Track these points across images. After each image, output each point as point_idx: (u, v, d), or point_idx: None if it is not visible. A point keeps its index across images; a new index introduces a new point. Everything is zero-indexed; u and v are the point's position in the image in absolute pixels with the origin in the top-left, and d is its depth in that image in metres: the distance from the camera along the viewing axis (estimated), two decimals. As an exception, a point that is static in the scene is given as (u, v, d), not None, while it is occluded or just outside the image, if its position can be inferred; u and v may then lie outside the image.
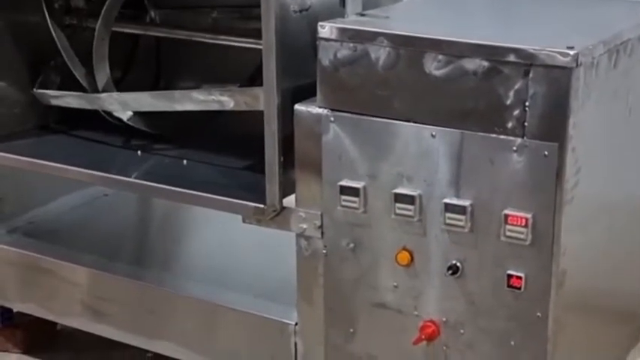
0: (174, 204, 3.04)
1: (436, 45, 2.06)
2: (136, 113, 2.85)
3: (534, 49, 1.96)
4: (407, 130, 2.14)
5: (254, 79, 2.80)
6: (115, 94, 2.84)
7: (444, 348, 2.22)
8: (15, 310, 3.11)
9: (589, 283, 2.29)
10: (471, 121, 2.06)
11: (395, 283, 2.24)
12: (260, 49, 2.28)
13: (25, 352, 3.16)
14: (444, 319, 2.20)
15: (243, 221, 2.46)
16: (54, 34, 2.88)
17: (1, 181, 3.06)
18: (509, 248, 2.07)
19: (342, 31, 2.17)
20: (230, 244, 2.97)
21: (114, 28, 2.88)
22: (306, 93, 2.29)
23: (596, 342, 2.46)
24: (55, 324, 3.16)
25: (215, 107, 2.59)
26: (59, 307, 2.91)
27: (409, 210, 2.16)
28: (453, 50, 2.04)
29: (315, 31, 2.20)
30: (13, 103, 2.98)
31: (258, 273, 2.79)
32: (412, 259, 2.20)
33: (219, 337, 2.63)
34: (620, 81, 2.21)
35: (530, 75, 1.97)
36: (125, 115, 2.85)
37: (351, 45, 2.15)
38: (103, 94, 2.83)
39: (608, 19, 2.37)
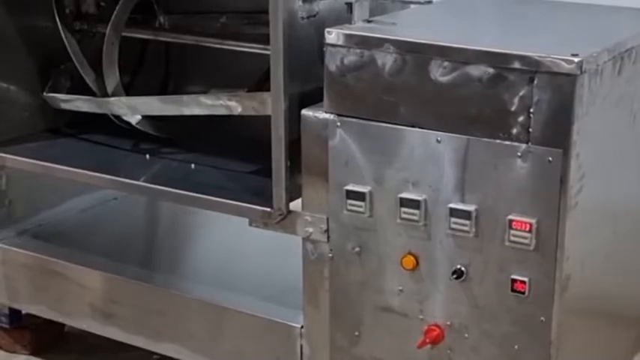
0: (182, 207, 3.06)
1: (442, 51, 2.08)
2: (145, 117, 2.87)
3: (539, 56, 1.98)
4: (412, 135, 2.16)
5: (262, 84, 2.83)
6: (124, 99, 2.87)
7: (449, 352, 2.23)
8: (23, 311, 3.13)
9: (593, 288, 2.31)
10: (476, 127, 2.08)
11: (400, 287, 2.26)
12: (268, 55, 2.31)
13: (33, 353, 3.18)
14: (449, 323, 2.21)
15: (250, 225, 2.48)
16: (64, 39, 2.91)
17: (10, 183, 3.09)
18: (514, 253, 2.09)
19: (349, 37, 2.19)
20: (237, 248, 2.99)
21: (124, 33, 2.91)
22: (313, 98, 2.31)
23: (600, 347, 2.46)
24: (63, 325, 3.18)
25: (223, 112, 2.61)
26: (67, 309, 2.93)
27: (414, 215, 2.18)
28: (459, 57, 2.06)
29: (322, 37, 2.22)
30: (23, 106, 3.00)
31: (265, 276, 2.80)
32: (417, 263, 2.21)
33: (225, 340, 2.65)
34: (625, 88, 2.22)
35: (535, 82, 1.99)
36: (134, 119, 2.87)
37: (358, 51, 2.17)
38: (113, 99, 2.86)
39: (613, 26, 2.39)
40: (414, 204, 2.17)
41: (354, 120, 2.22)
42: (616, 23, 2.43)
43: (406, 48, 2.12)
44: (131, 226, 3.26)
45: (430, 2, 2.41)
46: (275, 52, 2.27)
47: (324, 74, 2.23)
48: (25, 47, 2.98)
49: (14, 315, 3.14)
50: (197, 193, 2.56)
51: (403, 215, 2.19)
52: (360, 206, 2.24)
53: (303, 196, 2.36)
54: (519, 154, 2.04)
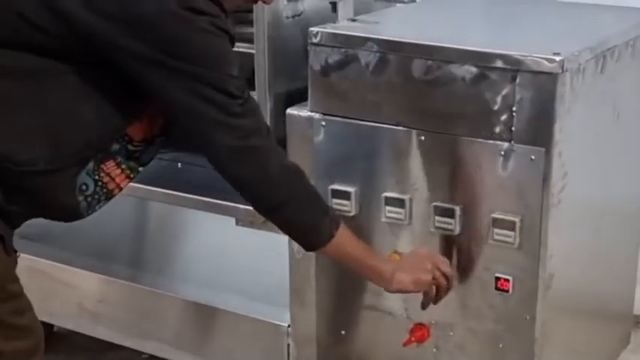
0: (170, 207, 3.06)
1: (425, 50, 2.09)
2: None
3: (521, 55, 1.98)
4: (397, 134, 2.16)
5: (250, 82, 2.82)
6: None
7: (434, 350, 2.24)
8: (12, 311, 3.13)
9: (577, 285, 2.31)
10: (459, 126, 2.08)
11: (386, 286, 2.26)
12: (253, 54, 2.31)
13: (22, 353, 3.18)
14: (434, 322, 2.22)
15: (237, 224, 2.48)
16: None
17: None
18: (498, 251, 2.09)
19: (332, 36, 2.19)
20: (224, 247, 2.98)
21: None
22: (299, 97, 2.32)
23: (585, 344, 2.47)
24: (51, 325, 3.18)
25: None
26: (56, 309, 2.93)
27: (399, 213, 2.19)
28: (442, 56, 2.07)
29: (307, 36, 2.22)
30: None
31: (252, 275, 2.80)
32: (402, 262, 2.22)
33: (213, 339, 2.65)
34: (608, 86, 2.22)
35: (517, 80, 1.99)
36: None
37: (342, 50, 2.18)
38: None
39: (596, 25, 2.39)
40: (399, 203, 2.18)
41: (338, 119, 2.23)
42: (599, 21, 2.43)
43: (389, 47, 2.13)
44: (119, 226, 3.25)
45: (414, 1, 2.41)
46: (259, 51, 2.27)
47: (309, 73, 2.23)
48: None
49: (2, 315, 3.14)
50: (184, 192, 2.56)
51: (388, 214, 2.20)
52: (346, 205, 2.25)
53: (289, 196, 2.36)
54: (502, 152, 2.04)
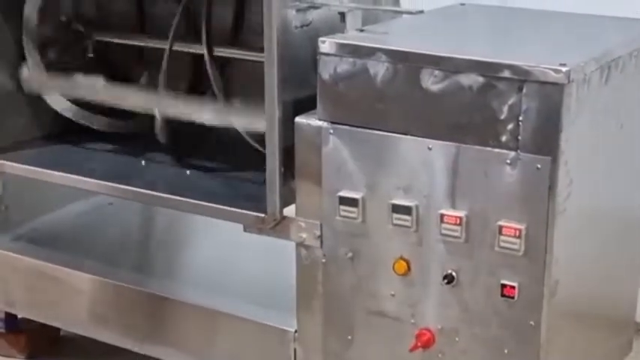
0: (177, 212, 3.08)
1: (433, 60, 2.12)
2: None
3: (528, 66, 2.02)
4: (404, 142, 2.19)
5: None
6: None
7: (440, 355, 2.27)
8: (19, 316, 3.15)
9: (581, 292, 2.34)
10: (466, 135, 2.11)
11: (392, 292, 2.29)
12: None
13: (29, 357, 3.21)
14: (440, 327, 2.25)
15: (245, 230, 2.51)
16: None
17: (6, 189, 3.11)
18: (503, 258, 2.12)
19: (341, 46, 2.22)
20: (231, 252, 3.01)
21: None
22: (307, 105, 2.35)
23: (589, 350, 2.50)
24: (58, 330, 3.21)
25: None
26: (63, 314, 2.95)
27: (406, 220, 2.22)
28: (449, 66, 2.10)
29: (316, 45, 2.25)
30: (19, 113, 3.02)
31: (259, 281, 2.83)
32: (409, 268, 2.25)
33: (219, 344, 2.67)
34: (612, 96, 2.26)
35: (524, 90, 2.02)
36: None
37: (351, 60, 2.21)
38: None
39: (601, 36, 2.42)
40: (406, 210, 2.21)
41: (346, 127, 2.26)
42: (603, 32, 2.46)
43: (397, 57, 2.16)
44: (126, 231, 3.28)
45: (422, 12, 2.45)
46: (269, 60, 2.30)
47: (318, 82, 2.26)
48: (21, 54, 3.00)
49: (10, 319, 3.17)
50: (192, 199, 2.59)
51: (395, 221, 2.23)
52: (353, 212, 2.28)
53: (297, 202, 2.39)
54: (508, 161, 2.07)
